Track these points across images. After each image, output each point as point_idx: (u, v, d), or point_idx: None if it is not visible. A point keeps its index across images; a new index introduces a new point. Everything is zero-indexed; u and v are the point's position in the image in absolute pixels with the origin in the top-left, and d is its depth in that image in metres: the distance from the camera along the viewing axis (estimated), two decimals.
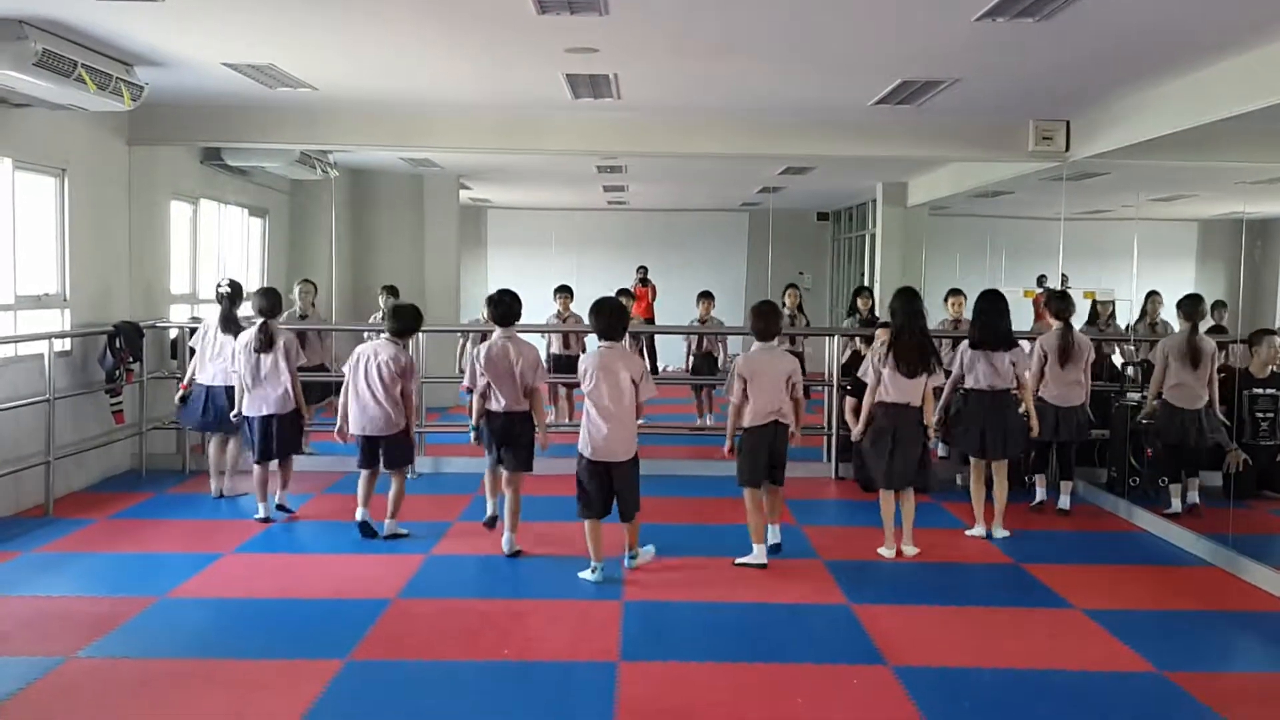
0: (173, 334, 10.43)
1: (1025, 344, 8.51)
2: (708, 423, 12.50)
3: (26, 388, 8.35)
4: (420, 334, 10.24)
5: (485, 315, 11.78)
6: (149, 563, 7.24)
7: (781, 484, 7.28)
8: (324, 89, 8.99)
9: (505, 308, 7.39)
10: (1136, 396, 9.35)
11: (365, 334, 9.93)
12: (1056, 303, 8.78)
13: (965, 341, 8.19)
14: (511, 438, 7.30)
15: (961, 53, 7.43)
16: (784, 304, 12.52)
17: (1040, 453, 8.85)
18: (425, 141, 10.61)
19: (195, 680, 5.20)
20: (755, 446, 7.11)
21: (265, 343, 8.07)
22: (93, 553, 7.47)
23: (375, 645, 5.67)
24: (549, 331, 12.19)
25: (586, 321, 11.93)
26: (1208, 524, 7.98)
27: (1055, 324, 8.67)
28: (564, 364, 12.13)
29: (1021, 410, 8.19)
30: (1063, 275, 10.55)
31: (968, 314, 10.68)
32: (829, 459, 10.19)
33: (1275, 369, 8.70)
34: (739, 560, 7.15)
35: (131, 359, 9.51)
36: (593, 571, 6.77)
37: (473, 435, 7.60)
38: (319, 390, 9.00)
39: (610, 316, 6.83)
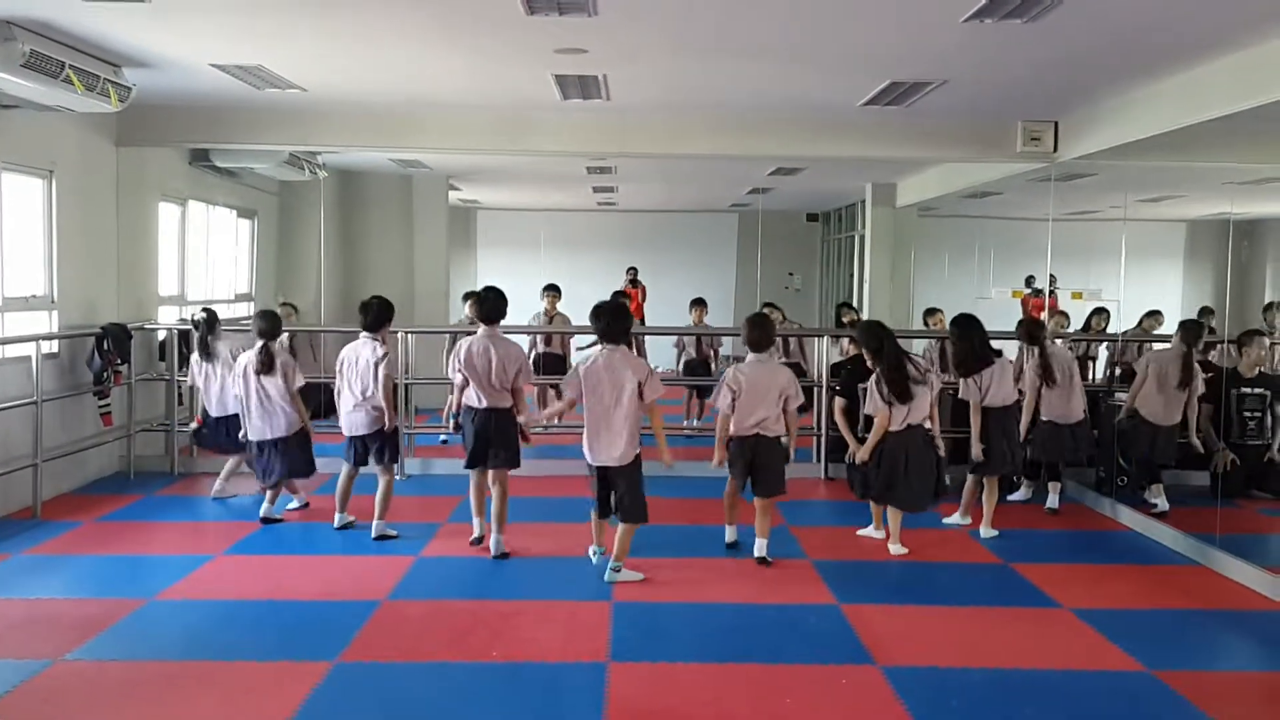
0: (161, 336, 10.41)
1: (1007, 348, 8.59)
2: (694, 424, 12.52)
3: (14, 390, 8.33)
4: (409, 335, 10.28)
5: (469, 313, 11.85)
6: (138, 565, 7.22)
7: (765, 497, 7.22)
8: (312, 90, 8.98)
9: (490, 305, 7.37)
10: (1123, 397, 9.37)
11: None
12: (1024, 327, 8.89)
13: (964, 380, 8.17)
14: (494, 434, 7.27)
15: (950, 54, 7.44)
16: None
17: (1052, 464, 8.92)
18: (414, 142, 10.60)
19: (184, 682, 5.19)
20: (736, 455, 7.19)
21: (265, 365, 8.05)
22: (81, 555, 7.45)
23: (364, 647, 5.66)
24: (534, 332, 12.17)
25: (575, 322, 12.03)
26: (1195, 523, 8.00)
27: (1032, 348, 8.69)
28: (550, 363, 12.13)
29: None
30: (1051, 276, 10.58)
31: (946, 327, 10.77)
32: (818, 460, 10.21)
33: (1263, 369, 8.73)
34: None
35: (119, 361, 9.48)
36: (592, 553, 6.91)
37: (451, 425, 7.61)
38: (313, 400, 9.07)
39: (610, 319, 6.79)
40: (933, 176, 13.73)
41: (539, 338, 12.27)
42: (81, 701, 4.98)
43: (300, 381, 8.23)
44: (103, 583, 6.82)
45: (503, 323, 7.44)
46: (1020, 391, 8.40)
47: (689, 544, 7.70)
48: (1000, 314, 8.19)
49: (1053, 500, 8.88)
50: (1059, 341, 9.24)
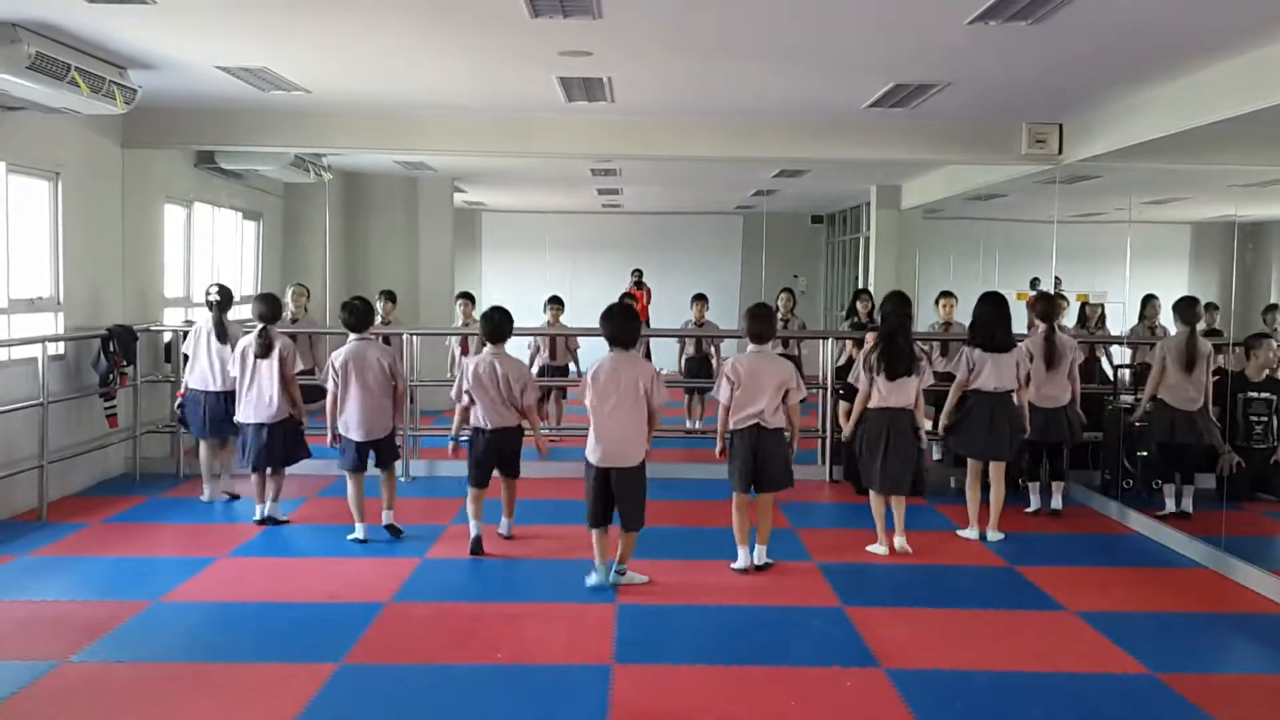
0: (166, 337, 10.42)
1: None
2: (695, 425, 12.52)
3: (20, 391, 8.34)
4: (414, 337, 10.30)
5: (461, 315, 11.88)
6: (143, 567, 7.23)
7: (769, 492, 7.11)
8: (317, 92, 8.99)
9: (495, 325, 7.43)
10: (1129, 399, 9.36)
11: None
12: (1041, 305, 8.81)
13: (966, 346, 8.21)
14: (502, 453, 7.44)
15: (954, 56, 7.44)
16: (778, 307, 12.51)
17: (1033, 456, 8.86)
18: (419, 144, 10.61)
19: (188, 684, 5.19)
20: (738, 450, 7.10)
21: (264, 348, 8.06)
22: (86, 557, 7.46)
23: (369, 649, 5.66)
24: (541, 334, 12.15)
25: (579, 321, 12.02)
26: (1200, 526, 7.99)
27: (1040, 326, 8.69)
28: (551, 373, 12.12)
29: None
30: (1056, 278, 10.57)
31: (958, 316, 10.77)
32: (823, 462, 10.20)
33: (1270, 372, 8.71)
34: (732, 566, 7.16)
35: (125, 362, 9.49)
36: (594, 574, 6.74)
37: (450, 445, 7.65)
38: (308, 394, 9.03)
39: (620, 323, 6.77)
40: (937, 178, 13.73)
41: (542, 351, 12.19)
42: (86, 703, 4.99)
43: (299, 365, 8.23)
44: (108, 584, 6.83)
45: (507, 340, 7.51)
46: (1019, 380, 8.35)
47: (693, 546, 7.70)
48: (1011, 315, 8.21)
49: (1056, 501, 8.87)
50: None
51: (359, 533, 7.77)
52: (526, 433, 7.60)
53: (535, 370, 12.05)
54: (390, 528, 7.89)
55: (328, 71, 8.28)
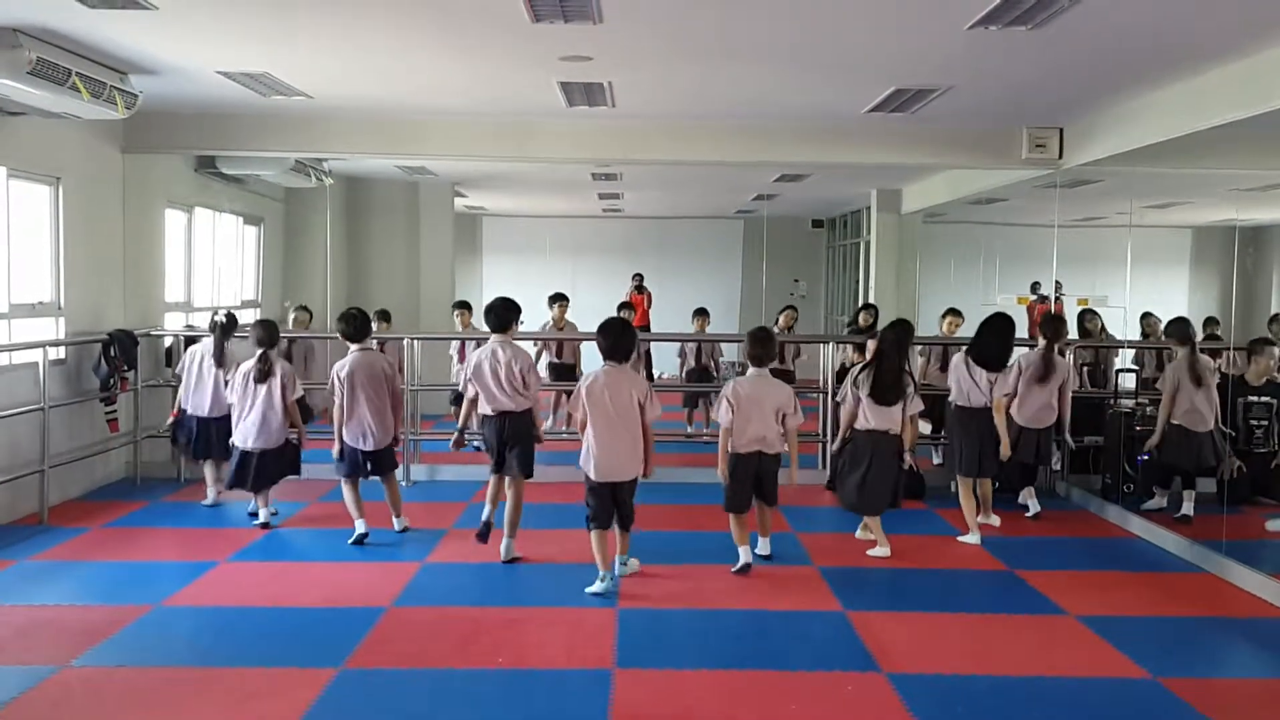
0: (167, 342, 10.43)
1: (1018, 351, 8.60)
2: (703, 430, 12.51)
3: (21, 396, 8.34)
4: (414, 341, 10.31)
5: (458, 324, 11.89)
6: (143, 571, 7.23)
7: (772, 505, 7.32)
8: (318, 97, 9.00)
9: (499, 315, 7.40)
10: (1129, 404, 9.36)
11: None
12: (1053, 326, 8.86)
13: (959, 355, 8.26)
14: (512, 438, 7.28)
15: (954, 61, 7.45)
16: (777, 323, 12.49)
17: (1023, 468, 8.89)
18: (420, 149, 10.62)
19: (189, 689, 5.19)
20: (741, 474, 7.15)
21: (263, 374, 8.07)
22: (87, 561, 7.46)
23: (369, 653, 5.66)
24: (545, 339, 12.18)
25: (580, 324, 12.04)
26: (1201, 530, 8.00)
27: (1042, 342, 8.71)
28: (560, 372, 12.14)
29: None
30: (1056, 282, 10.58)
31: (963, 332, 10.76)
32: (823, 466, 10.20)
33: (1271, 377, 8.71)
34: (733, 570, 7.16)
35: (126, 367, 9.50)
36: (600, 582, 6.71)
37: (454, 439, 7.63)
38: (305, 409, 9.11)
39: (616, 337, 6.78)
40: (938, 183, 13.73)
41: (550, 347, 12.25)
42: (87, 708, 4.99)
43: (299, 392, 8.25)
44: (109, 589, 6.83)
45: (513, 330, 7.49)
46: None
47: (692, 550, 7.69)
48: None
49: (1032, 504, 8.87)
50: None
51: (360, 528, 7.80)
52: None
53: (543, 369, 12.09)
54: (404, 530, 8.03)
55: (329, 76, 8.29)
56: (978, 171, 11.59)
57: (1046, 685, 5.38)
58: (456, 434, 7.62)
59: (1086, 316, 10.82)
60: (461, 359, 11.35)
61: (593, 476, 6.69)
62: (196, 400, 8.86)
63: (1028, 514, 8.86)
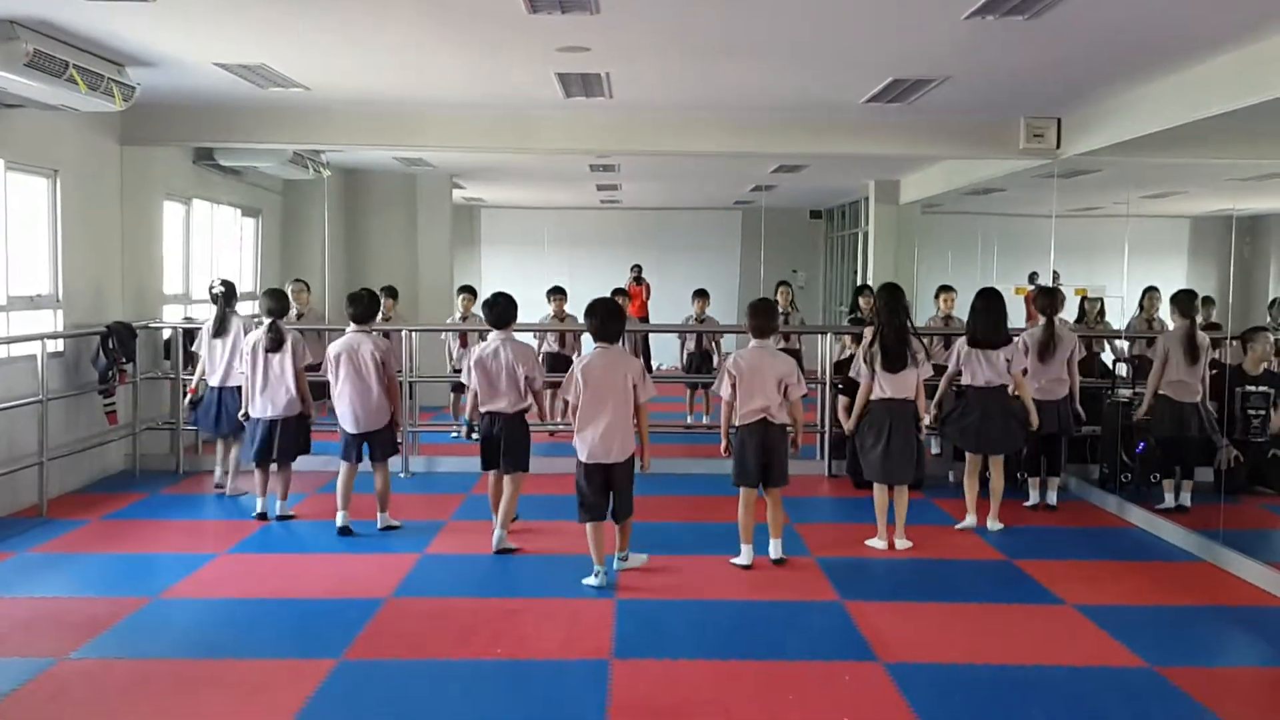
0: (166, 334, 10.43)
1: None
2: (703, 420, 12.54)
3: (20, 389, 8.35)
4: (413, 333, 10.31)
5: (461, 308, 11.89)
6: (142, 563, 7.24)
7: (778, 485, 7.15)
8: (316, 89, 9.00)
9: (500, 310, 7.41)
10: (1128, 393, 9.36)
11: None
12: (1042, 298, 8.85)
13: (962, 339, 8.27)
14: (503, 439, 7.31)
15: (952, 51, 7.45)
16: (776, 301, 12.52)
17: (1031, 451, 8.86)
18: (417, 141, 10.62)
19: (188, 680, 5.20)
20: (744, 445, 7.09)
21: (275, 343, 8.07)
22: (86, 553, 7.48)
23: (369, 645, 5.67)
24: (544, 330, 12.19)
25: (583, 321, 12.05)
26: (1199, 520, 8.01)
27: (1040, 319, 8.72)
28: (558, 363, 12.14)
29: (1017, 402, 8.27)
30: (1054, 272, 10.57)
31: (958, 310, 10.80)
32: (822, 456, 10.21)
33: (1268, 366, 8.72)
34: (732, 560, 7.17)
35: (125, 360, 9.51)
36: (595, 576, 6.70)
37: (464, 431, 7.63)
38: (317, 390, 9.10)
39: (604, 318, 6.77)
40: (936, 173, 13.73)
41: (548, 339, 12.28)
42: (86, 700, 4.99)
43: (309, 359, 8.26)
44: (108, 581, 6.84)
45: (513, 325, 7.50)
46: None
47: (690, 541, 7.71)
48: (1008, 311, 8.26)
49: (1051, 497, 8.89)
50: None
51: (339, 520, 7.83)
52: (534, 428, 7.59)
53: (542, 358, 12.10)
54: (387, 529, 7.90)
55: (326, 68, 8.28)
56: (975, 162, 11.60)
57: (1044, 674, 5.39)
58: (465, 427, 7.62)
59: (1087, 302, 10.84)
60: (463, 344, 11.38)
61: (583, 458, 6.67)
62: (217, 371, 8.86)
63: (1046, 504, 8.87)
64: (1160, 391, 8.56)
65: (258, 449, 8.18)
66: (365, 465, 7.92)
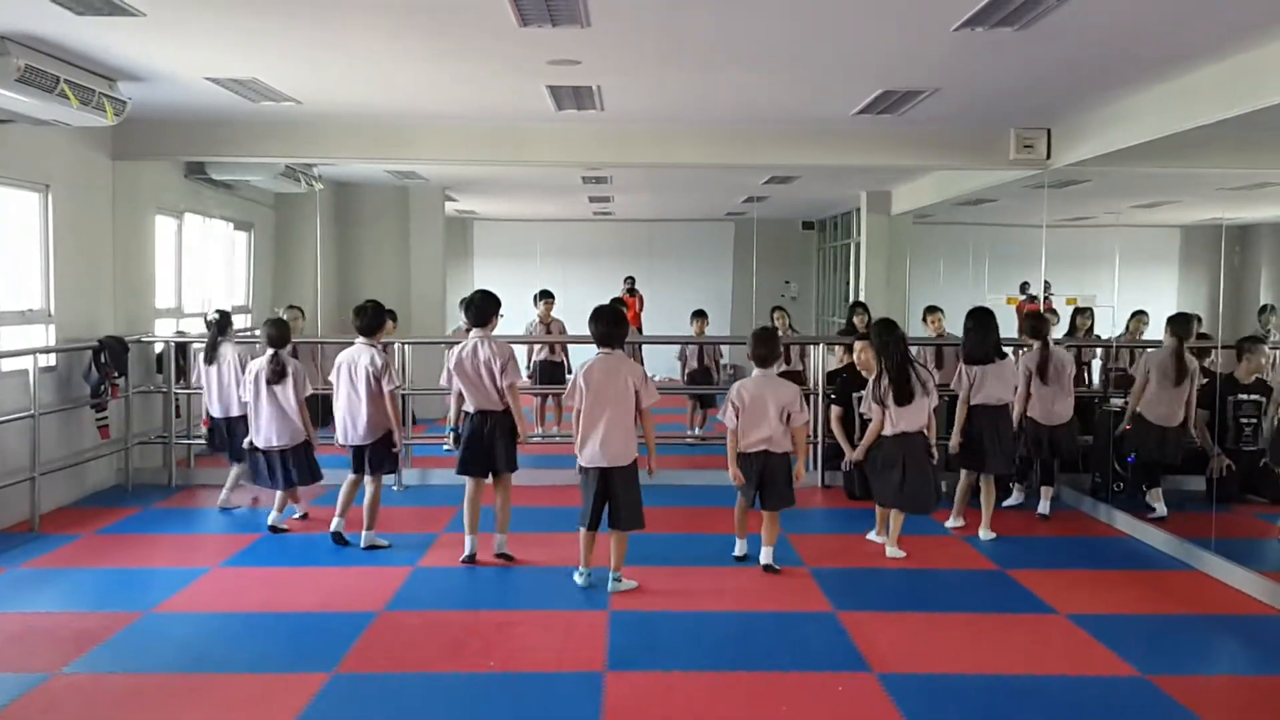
0: (158, 348, 10.42)
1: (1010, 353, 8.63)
2: (697, 433, 12.54)
3: (11, 403, 8.34)
4: (406, 345, 10.31)
5: (464, 325, 11.86)
6: (135, 578, 7.23)
7: (776, 509, 7.24)
8: (307, 102, 9.01)
9: (477, 309, 7.40)
10: (1119, 403, 9.39)
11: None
12: (1030, 323, 8.90)
13: (962, 364, 8.29)
14: (488, 437, 7.27)
15: (941, 62, 7.47)
16: (774, 326, 12.54)
17: (1044, 465, 8.91)
18: (409, 154, 10.61)
19: (181, 695, 5.19)
20: (747, 473, 7.17)
21: (276, 374, 8.07)
22: (79, 568, 7.46)
23: (361, 658, 5.67)
24: (533, 342, 12.20)
25: (572, 329, 12.06)
26: (1190, 528, 8.02)
27: (1034, 343, 8.74)
28: (548, 371, 12.15)
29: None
30: (1045, 282, 10.60)
31: (947, 328, 10.83)
32: (815, 467, 10.21)
33: (1260, 376, 8.75)
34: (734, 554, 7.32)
35: (117, 374, 9.49)
36: (579, 576, 6.84)
37: (450, 438, 7.62)
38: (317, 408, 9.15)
39: (608, 323, 6.82)
40: (927, 184, 13.75)
41: (537, 346, 12.31)
42: (79, 715, 4.99)
43: (309, 389, 8.26)
44: (100, 596, 6.83)
45: (500, 332, 7.47)
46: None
47: (686, 553, 7.71)
48: (999, 321, 8.28)
49: (1044, 506, 8.91)
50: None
51: (333, 524, 7.87)
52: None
53: (531, 367, 12.11)
54: (371, 548, 7.78)
55: (317, 82, 8.29)
56: (966, 172, 11.62)
57: (1036, 684, 5.40)
58: (451, 435, 7.61)
59: (1079, 313, 10.87)
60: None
61: (583, 462, 6.70)
62: (216, 403, 8.95)
63: (1038, 514, 8.89)
64: (1139, 412, 8.62)
65: (266, 478, 8.24)
66: None
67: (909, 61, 7.50)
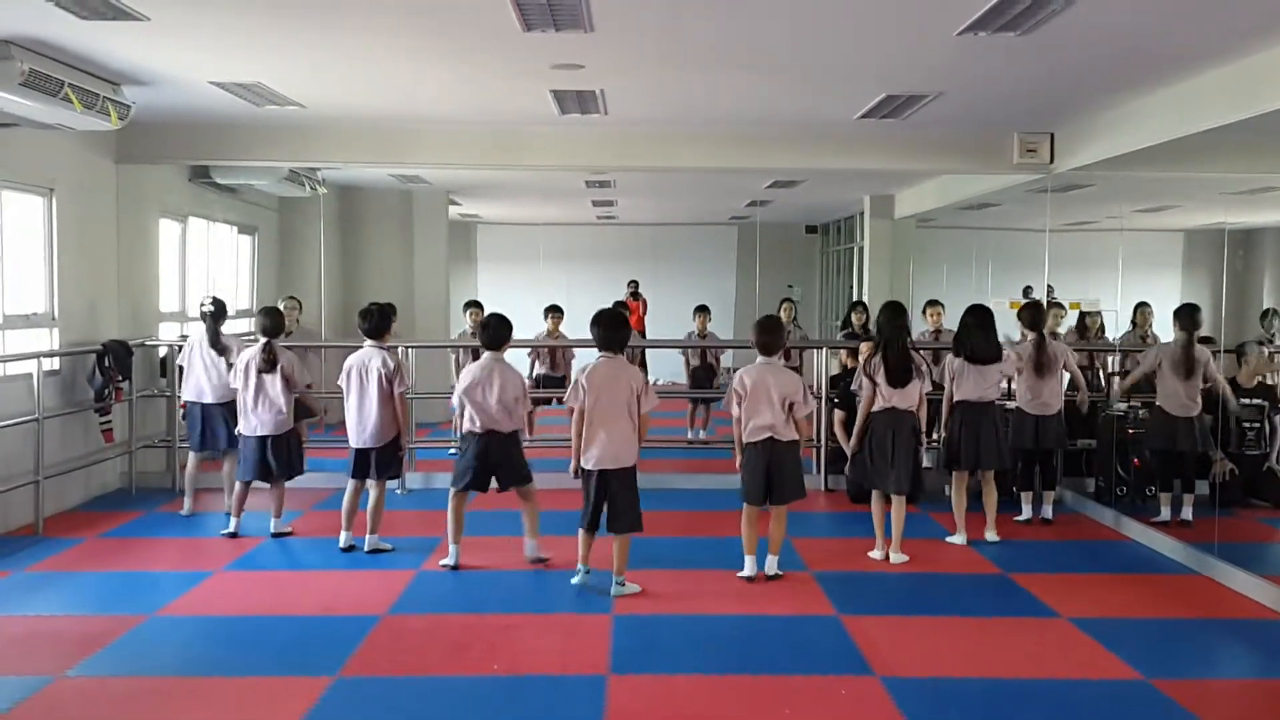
0: (162, 352, 10.43)
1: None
2: (700, 435, 12.55)
3: (15, 407, 8.35)
4: (410, 349, 10.31)
5: (469, 323, 11.87)
6: (138, 581, 7.24)
7: (783, 503, 7.16)
8: (312, 106, 9.02)
9: (493, 332, 7.41)
10: (1123, 407, 9.38)
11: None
12: (1029, 313, 8.86)
13: (950, 355, 8.31)
14: (499, 457, 7.30)
15: (945, 67, 7.48)
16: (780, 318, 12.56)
17: (1026, 464, 8.87)
18: (413, 158, 10.63)
19: (184, 698, 5.20)
20: (752, 463, 7.12)
21: (268, 363, 8.08)
22: (82, 571, 7.47)
23: (365, 662, 5.67)
24: (538, 346, 12.20)
25: (574, 333, 12.07)
26: (1194, 533, 8.03)
27: (1030, 334, 8.73)
28: (551, 385, 12.13)
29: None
30: (1049, 286, 10.60)
31: (946, 323, 10.85)
32: (818, 470, 10.21)
33: (1263, 379, 8.74)
34: (738, 574, 7.19)
35: (120, 378, 9.49)
36: (577, 575, 6.90)
37: (459, 450, 7.63)
38: (304, 409, 9.06)
39: (609, 327, 6.83)
40: (930, 188, 13.77)
41: (539, 360, 12.29)
42: (82, 718, 5.00)
43: (307, 378, 8.24)
44: (104, 599, 6.84)
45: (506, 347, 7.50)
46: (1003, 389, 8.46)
47: (689, 556, 7.72)
48: (999, 326, 8.27)
49: (1046, 510, 8.90)
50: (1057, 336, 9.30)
51: (342, 540, 7.83)
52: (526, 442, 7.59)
53: (533, 380, 12.10)
54: (375, 551, 7.79)
55: (322, 86, 8.31)
56: (970, 177, 11.64)
57: (1039, 687, 5.40)
58: (460, 444, 7.62)
59: (1087, 316, 10.85)
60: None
61: (587, 465, 6.72)
62: (194, 386, 8.81)
63: (1040, 517, 8.88)
64: (1156, 403, 8.58)
65: (254, 467, 8.18)
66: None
67: (912, 66, 7.51)
